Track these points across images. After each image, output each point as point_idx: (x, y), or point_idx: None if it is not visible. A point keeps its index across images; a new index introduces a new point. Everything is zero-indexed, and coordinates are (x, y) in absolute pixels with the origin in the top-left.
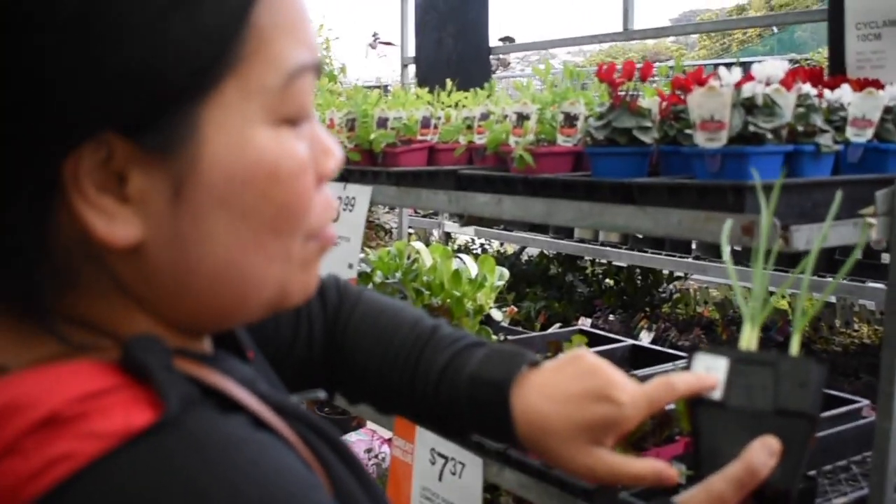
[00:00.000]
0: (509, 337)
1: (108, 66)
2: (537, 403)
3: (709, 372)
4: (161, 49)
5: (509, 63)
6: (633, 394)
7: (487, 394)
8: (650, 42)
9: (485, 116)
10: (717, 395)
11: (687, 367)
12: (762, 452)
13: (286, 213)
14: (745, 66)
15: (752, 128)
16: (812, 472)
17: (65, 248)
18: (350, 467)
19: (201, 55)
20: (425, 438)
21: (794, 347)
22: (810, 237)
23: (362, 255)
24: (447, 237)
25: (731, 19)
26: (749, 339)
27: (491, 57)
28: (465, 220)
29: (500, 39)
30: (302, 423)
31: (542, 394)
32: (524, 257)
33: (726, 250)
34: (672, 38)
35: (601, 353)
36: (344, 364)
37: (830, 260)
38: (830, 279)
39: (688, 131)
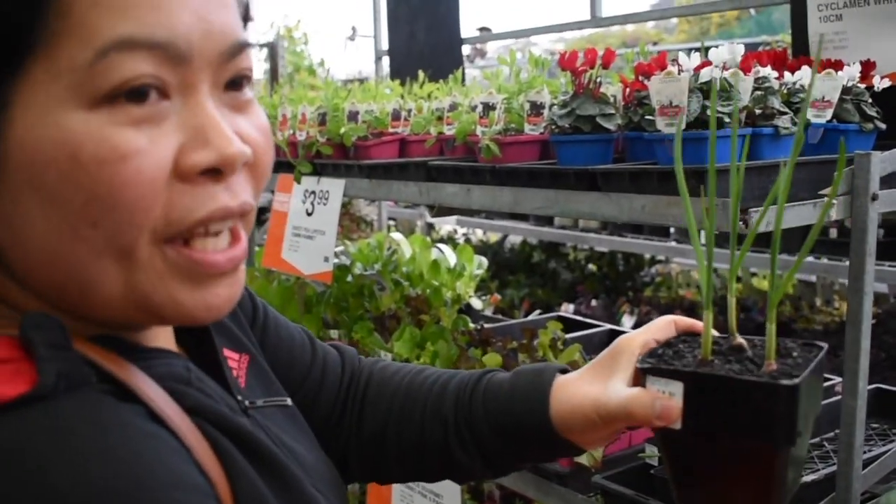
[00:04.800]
0: (487, 325)
1: None
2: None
3: (666, 393)
4: None
5: (486, 53)
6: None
7: (530, 380)
8: (630, 28)
9: (453, 107)
10: (677, 425)
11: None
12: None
13: (99, 203)
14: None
15: (709, 112)
16: None
17: None
18: (275, 480)
19: (2, 36)
20: None
21: (771, 341)
22: (770, 219)
23: (342, 248)
24: (429, 228)
25: (695, 5)
26: (707, 323)
27: (468, 47)
28: (437, 210)
29: (479, 29)
30: (221, 430)
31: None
32: (507, 245)
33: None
34: (652, 24)
35: (579, 339)
36: (361, 427)
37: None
38: (810, 259)
39: (651, 117)
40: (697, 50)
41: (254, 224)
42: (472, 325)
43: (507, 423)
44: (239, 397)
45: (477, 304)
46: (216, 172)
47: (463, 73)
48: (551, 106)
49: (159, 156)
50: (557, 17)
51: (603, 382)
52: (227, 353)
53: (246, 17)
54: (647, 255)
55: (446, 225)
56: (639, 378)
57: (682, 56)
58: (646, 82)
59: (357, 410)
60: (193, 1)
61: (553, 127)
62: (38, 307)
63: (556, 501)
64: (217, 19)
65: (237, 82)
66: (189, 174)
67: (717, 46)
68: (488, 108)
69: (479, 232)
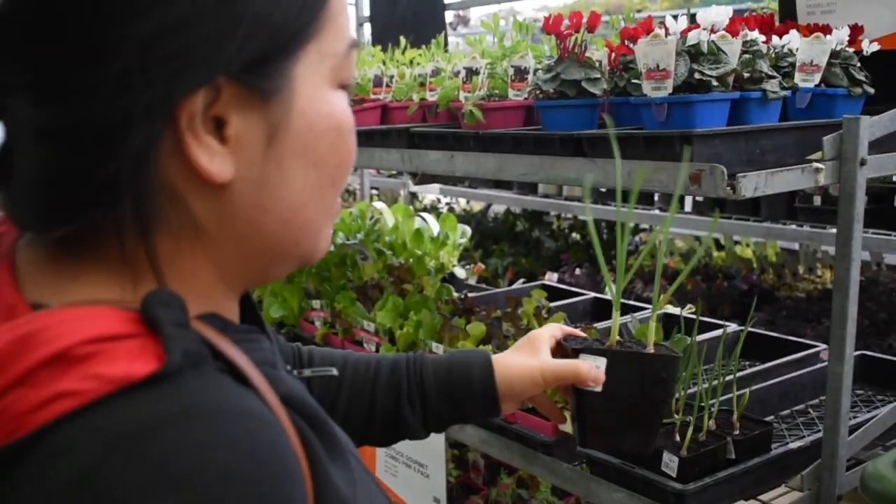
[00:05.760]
0: (472, 294)
1: (238, 13)
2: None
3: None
4: (277, 4)
5: (469, 20)
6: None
7: (468, 355)
8: None
9: (436, 73)
10: (598, 388)
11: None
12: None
13: (343, 166)
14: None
15: (697, 75)
16: (769, 418)
17: (156, 185)
18: (344, 467)
19: (302, 14)
20: None
21: (652, 335)
22: (758, 184)
23: None
24: (412, 197)
25: None
26: (615, 321)
27: (451, 14)
28: (419, 178)
29: None
30: (302, 417)
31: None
32: (491, 215)
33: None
34: None
35: (563, 307)
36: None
37: (790, 207)
38: (793, 227)
39: (637, 81)
40: (685, 14)
41: None
42: (455, 295)
43: (456, 390)
44: (288, 367)
45: (461, 273)
46: None
47: (446, 39)
48: (536, 71)
49: None
50: None
51: (537, 356)
52: None
53: None
54: (632, 224)
55: (430, 194)
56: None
57: (668, 19)
58: (632, 46)
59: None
60: None
61: (538, 92)
62: (188, 268)
63: (541, 470)
64: None
65: None
66: None
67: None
68: (471, 73)
69: (463, 201)
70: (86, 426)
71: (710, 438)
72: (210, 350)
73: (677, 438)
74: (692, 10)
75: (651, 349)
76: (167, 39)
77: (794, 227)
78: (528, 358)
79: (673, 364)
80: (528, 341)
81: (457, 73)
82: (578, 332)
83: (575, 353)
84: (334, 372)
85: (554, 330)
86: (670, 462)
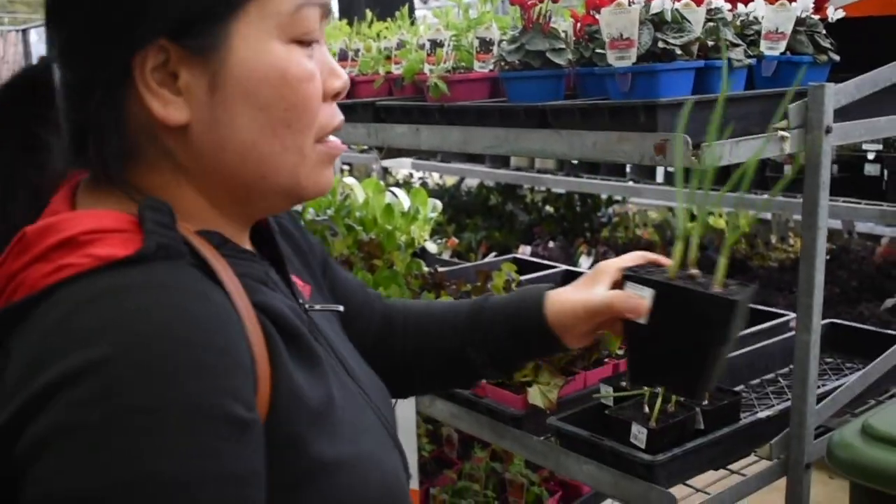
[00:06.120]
0: (441, 268)
1: None
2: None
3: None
4: None
5: None
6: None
7: (526, 291)
8: None
9: (401, 46)
10: (642, 320)
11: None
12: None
13: (294, 110)
14: None
15: (661, 44)
16: (739, 387)
17: (133, 130)
18: (319, 377)
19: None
20: None
21: (720, 272)
22: (722, 153)
23: None
24: (385, 172)
25: None
26: (677, 251)
27: None
28: (385, 152)
29: None
30: (276, 325)
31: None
32: (464, 189)
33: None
34: None
35: (534, 280)
36: (393, 352)
37: (762, 176)
38: (765, 196)
39: (602, 52)
40: None
41: None
42: (425, 269)
43: (511, 322)
44: (300, 300)
45: (432, 247)
46: (337, 95)
47: (412, 10)
48: (500, 42)
49: (318, 80)
50: None
51: (588, 289)
52: (293, 276)
53: None
54: (604, 196)
55: (403, 169)
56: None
57: None
58: (596, 16)
59: (391, 342)
60: None
61: (502, 63)
62: (177, 195)
63: (511, 443)
64: None
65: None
66: (329, 95)
67: None
68: (436, 45)
69: (437, 175)
70: (73, 288)
71: (678, 409)
72: (189, 249)
73: (646, 410)
74: None
75: (716, 289)
76: (104, 13)
77: (765, 196)
78: (578, 291)
79: (726, 307)
80: (592, 273)
81: (422, 46)
82: (662, 259)
83: (624, 282)
84: (339, 308)
85: (626, 260)
86: (639, 434)
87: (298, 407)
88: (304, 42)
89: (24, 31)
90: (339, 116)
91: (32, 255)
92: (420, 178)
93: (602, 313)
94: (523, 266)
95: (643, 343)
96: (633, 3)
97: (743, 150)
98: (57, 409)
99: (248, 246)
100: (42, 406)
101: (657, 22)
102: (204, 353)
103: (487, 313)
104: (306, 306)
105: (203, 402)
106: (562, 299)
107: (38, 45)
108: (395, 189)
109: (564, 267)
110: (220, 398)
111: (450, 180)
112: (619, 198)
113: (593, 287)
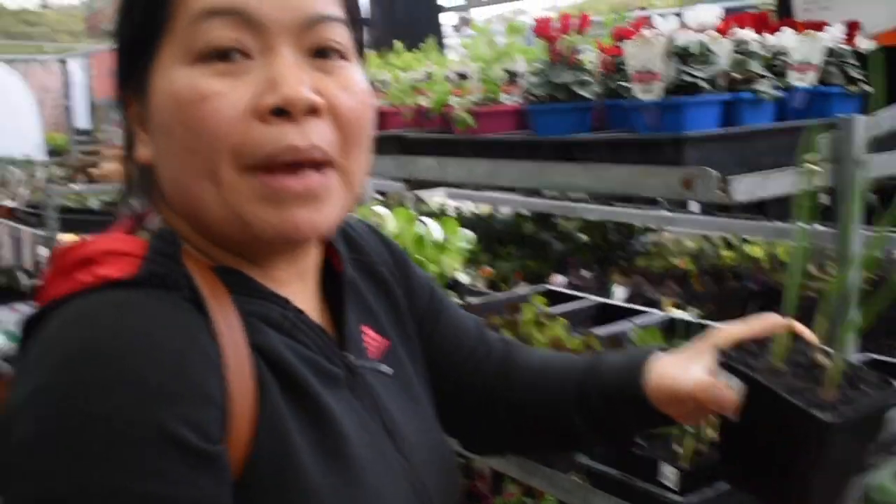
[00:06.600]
0: (472, 299)
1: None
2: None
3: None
4: (122, 37)
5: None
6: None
7: (632, 355)
8: None
9: (429, 77)
10: (732, 415)
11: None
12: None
13: (192, 133)
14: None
15: (686, 77)
16: None
17: (142, 173)
18: (311, 423)
19: (147, 43)
20: None
21: (834, 367)
22: (752, 187)
23: None
24: (418, 201)
25: None
26: (788, 329)
27: (455, 16)
28: (412, 184)
29: None
30: (272, 369)
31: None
32: (499, 217)
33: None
34: None
35: (566, 312)
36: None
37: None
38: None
39: (627, 84)
40: (676, 14)
41: (359, 185)
42: (459, 301)
43: (611, 390)
44: (348, 355)
45: (464, 278)
46: (286, 114)
47: (441, 42)
48: (526, 74)
49: (235, 98)
50: None
51: (686, 365)
52: (365, 328)
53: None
54: (638, 224)
55: (436, 197)
56: None
57: (657, 19)
58: (622, 47)
59: (502, 394)
60: None
61: (529, 96)
62: (201, 241)
63: (540, 482)
64: None
65: (324, 52)
66: (261, 113)
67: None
68: (463, 77)
69: (471, 203)
70: (72, 303)
71: (711, 450)
72: (190, 287)
73: (677, 448)
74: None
75: (826, 392)
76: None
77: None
78: (677, 366)
79: (817, 429)
80: (700, 342)
81: (447, 78)
82: (806, 332)
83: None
84: (386, 370)
85: (752, 331)
86: (670, 475)
87: (289, 455)
88: (215, 57)
89: (63, 61)
90: (287, 139)
91: (58, 268)
92: (455, 207)
93: (689, 400)
94: (555, 297)
95: (734, 438)
96: (656, 35)
97: (772, 185)
98: (16, 429)
99: (286, 286)
100: (9, 429)
101: (682, 55)
102: (152, 374)
103: (593, 389)
104: (352, 359)
105: (138, 418)
106: (661, 371)
107: (77, 73)
108: (426, 219)
109: (598, 299)
110: (160, 417)
111: (485, 208)
112: (652, 226)
113: (690, 364)
